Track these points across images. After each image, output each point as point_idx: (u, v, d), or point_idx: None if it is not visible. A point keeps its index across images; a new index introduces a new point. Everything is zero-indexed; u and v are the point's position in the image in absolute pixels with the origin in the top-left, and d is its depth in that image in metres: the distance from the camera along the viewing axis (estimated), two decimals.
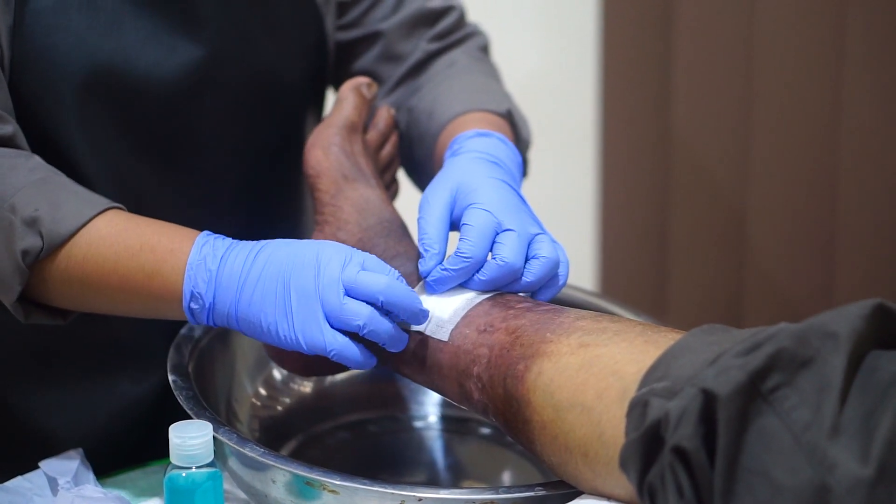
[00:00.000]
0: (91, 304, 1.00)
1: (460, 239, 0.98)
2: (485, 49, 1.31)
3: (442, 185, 1.03)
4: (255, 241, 0.97)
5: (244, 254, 0.95)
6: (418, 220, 1.01)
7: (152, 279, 0.96)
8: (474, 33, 1.31)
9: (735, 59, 2.01)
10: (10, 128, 1.02)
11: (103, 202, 1.00)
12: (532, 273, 0.98)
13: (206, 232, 0.98)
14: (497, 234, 0.98)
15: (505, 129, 1.15)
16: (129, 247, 0.97)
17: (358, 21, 1.27)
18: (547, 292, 1.00)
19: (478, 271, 0.97)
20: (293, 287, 0.93)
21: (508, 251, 0.97)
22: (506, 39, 2.15)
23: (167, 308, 0.97)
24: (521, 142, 1.20)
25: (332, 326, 0.93)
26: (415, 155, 1.23)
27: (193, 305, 0.95)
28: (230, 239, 0.97)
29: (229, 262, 0.95)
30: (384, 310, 0.93)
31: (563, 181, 2.27)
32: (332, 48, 1.26)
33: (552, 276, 1.00)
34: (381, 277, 0.93)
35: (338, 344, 0.93)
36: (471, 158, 1.06)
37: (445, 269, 0.97)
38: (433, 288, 0.98)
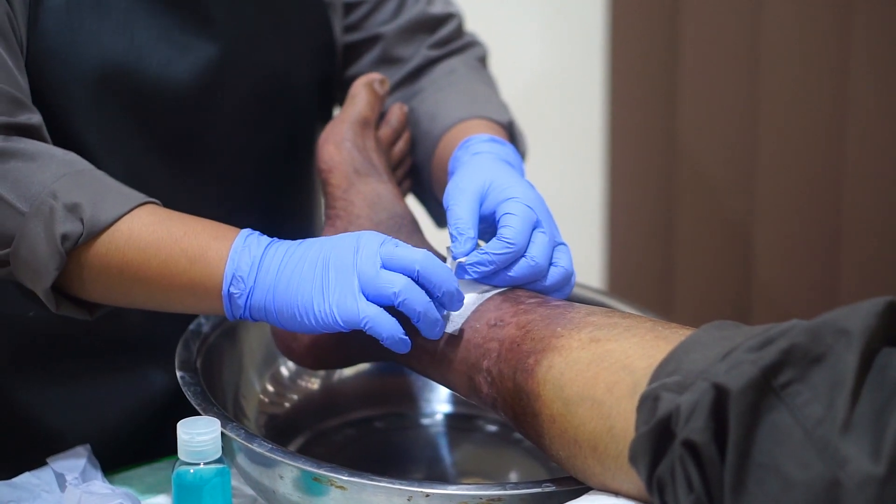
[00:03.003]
0: (126, 293, 0.99)
1: (502, 226, 0.97)
2: (483, 60, 1.31)
3: (472, 177, 1.02)
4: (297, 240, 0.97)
5: (286, 246, 0.95)
6: (447, 207, 1.00)
7: (194, 263, 0.96)
8: (473, 43, 1.31)
9: (741, 61, 2.01)
10: (37, 117, 1.01)
11: (143, 196, 1.00)
12: (549, 279, 0.98)
13: (249, 229, 0.98)
14: (532, 230, 0.98)
15: (507, 140, 1.15)
16: (172, 233, 0.97)
17: (359, 24, 1.27)
18: (555, 295, 1.00)
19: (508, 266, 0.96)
20: (332, 264, 0.92)
21: (539, 251, 0.97)
22: (513, 40, 2.15)
23: (205, 295, 0.96)
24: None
25: (367, 299, 0.92)
26: (412, 155, 1.23)
27: (233, 290, 0.95)
28: (273, 238, 0.98)
29: (271, 251, 0.95)
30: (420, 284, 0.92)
31: (571, 181, 2.27)
32: (340, 50, 1.26)
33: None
34: (419, 251, 0.92)
35: (371, 311, 0.91)
36: (494, 159, 1.06)
37: (486, 253, 0.96)
38: (465, 272, 0.97)
